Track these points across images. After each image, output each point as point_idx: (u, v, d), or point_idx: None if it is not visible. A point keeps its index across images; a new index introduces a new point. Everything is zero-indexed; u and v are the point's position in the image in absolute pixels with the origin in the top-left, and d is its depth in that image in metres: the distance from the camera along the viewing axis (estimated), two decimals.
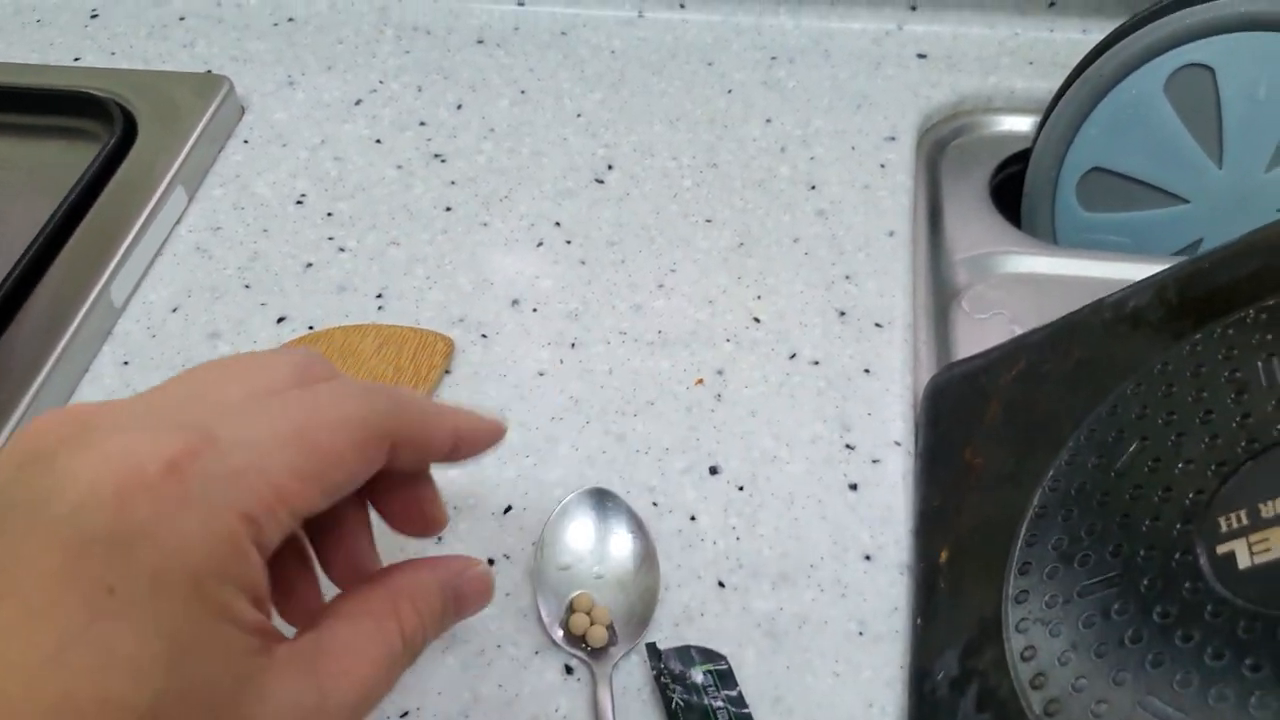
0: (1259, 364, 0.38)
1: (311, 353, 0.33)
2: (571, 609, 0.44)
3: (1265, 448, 0.36)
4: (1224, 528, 0.36)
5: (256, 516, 0.27)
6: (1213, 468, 0.37)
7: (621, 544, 0.46)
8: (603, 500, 0.47)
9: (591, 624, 0.43)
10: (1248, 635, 0.33)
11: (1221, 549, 0.35)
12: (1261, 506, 0.35)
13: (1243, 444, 0.37)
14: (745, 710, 0.41)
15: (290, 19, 0.75)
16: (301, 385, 0.31)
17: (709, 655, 0.43)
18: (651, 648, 0.43)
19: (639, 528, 0.46)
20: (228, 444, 0.27)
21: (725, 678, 0.42)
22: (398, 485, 0.35)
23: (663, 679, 0.41)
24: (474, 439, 0.35)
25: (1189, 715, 0.33)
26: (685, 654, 0.43)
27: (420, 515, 0.36)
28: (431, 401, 0.35)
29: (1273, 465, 0.36)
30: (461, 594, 0.34)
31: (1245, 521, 0.35)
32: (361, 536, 0.35)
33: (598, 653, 0.43)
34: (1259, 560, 0.34)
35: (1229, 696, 0.32)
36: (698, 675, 0.41)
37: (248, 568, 0.27)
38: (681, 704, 0.40)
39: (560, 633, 0.43)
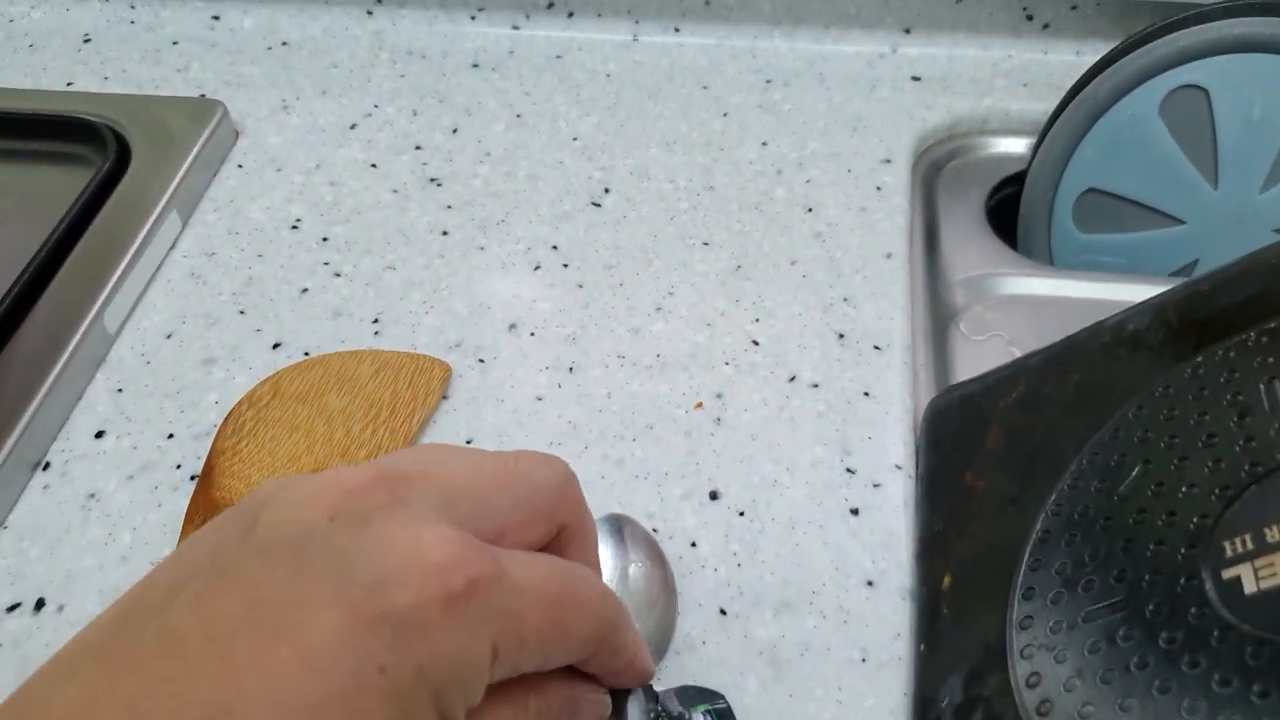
0: (1261, 387, 0.38)
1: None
2: None
3: (1268, 471, 0.36)
4: (1229, 552, 0.35)
5: (499, 658, 0.28)
6: (1216, 492, 0.37)
7: (639, 573, 0.45)
8: (620, 527, 0.46)
9: None
10: (1255, 661, 0.33)
11: (1227, 574, 0.35)
12: (1266, 531, 0.35)
13: (1246, 468, 0.37)
14: None
15: (284, 43, 0.75)
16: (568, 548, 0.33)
17: (707, 695, 0.42)
18: (647, 690, 0.42)
19: (658, 556, 0.45)
20: (510, 586, 0.28)
21: (724, 716, 0.41)
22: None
23: None
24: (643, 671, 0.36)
25: None
26: (684, 694, 0.42)
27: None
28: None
29: (1276, 489, 0.36)
30: (577, 709, 0.35)
31: (1250, 546, 0.35)
32: None
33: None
34: (1265, 585, 0.34)
35: None
36: (697, 717, 0.41)
37: (475, 693, 0.28)
38: None
39: None
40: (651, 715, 0.41)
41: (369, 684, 0.25)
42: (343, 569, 0.26)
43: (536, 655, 0.30)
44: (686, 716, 0.41)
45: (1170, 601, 0.36)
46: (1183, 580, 0.36)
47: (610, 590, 0.34)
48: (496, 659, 0.28)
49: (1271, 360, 0.39)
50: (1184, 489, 0.38)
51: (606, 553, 0.45)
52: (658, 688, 0.42)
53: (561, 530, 0.33)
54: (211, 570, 0.26)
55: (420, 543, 0.27)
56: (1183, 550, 0.37)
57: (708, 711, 0.41)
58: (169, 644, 0.25)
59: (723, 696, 0.42)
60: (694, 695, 0.42)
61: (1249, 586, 0.34)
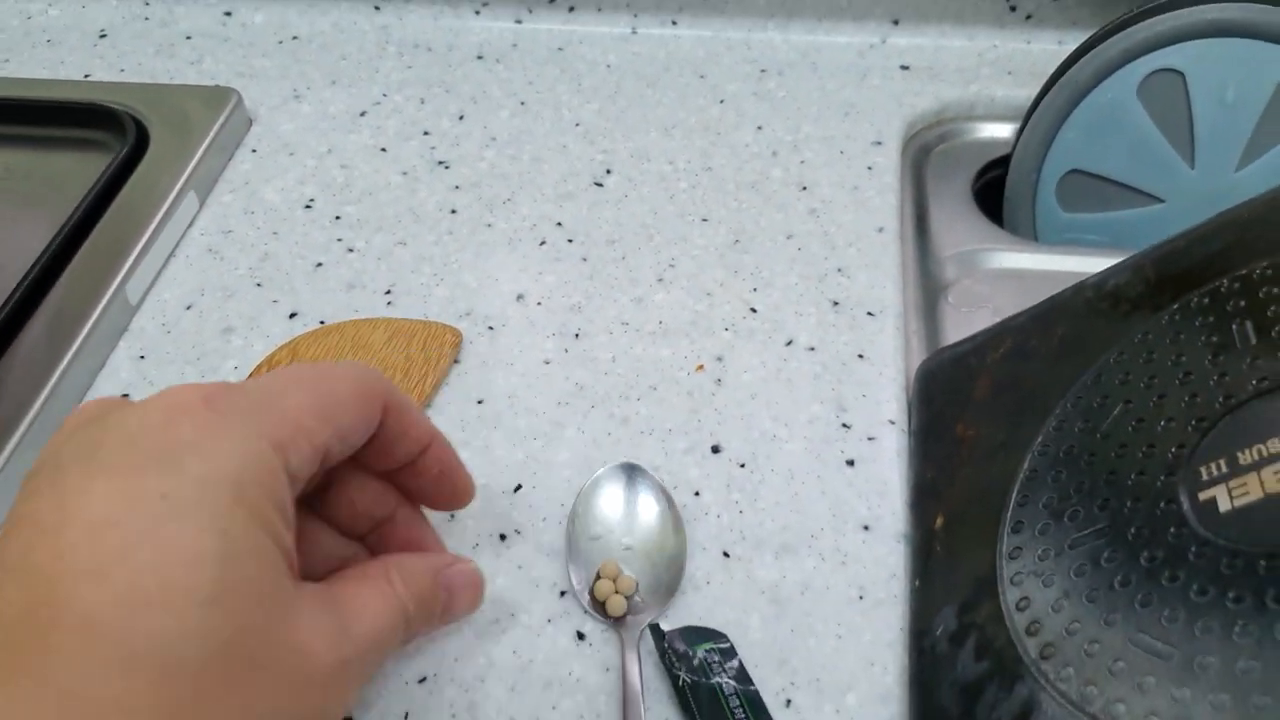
0: (1233, 327, 0.41)
1: None
2: (598, 576, 0.45)
3: (1241, 402, 0.38)
4: (1205, 476, 0.38)
5: (283, 443, 0.31)
6: (1193, 423, 0.39)
7: (649, 516, 0.47)
8: (632, 475, 0.48)
9: (615, 592, 0.44)
10: (1230, 571, 0.35)
11: (1203, 495, 0.37)
12: (1240, 455, 0.37)
13: (1220, 400, 0.39)
14: (751, 687, 0.42)
15: (295, 37, 0.78)
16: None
17: (710, 634, 0.44)
18: (655, 629, 0.44)
19: (667, 501, 0.48)
20: (251, 388, 0.32)
21: (727, 654, 0.43)
22: (420, 458, 0.39)
23: (667, 659, 0.42)
24: (446, 451, 0.40)
25: (1177, 648, 0.34)
26: (687, 634, 0.44)
27: (448, 484, 0.40)
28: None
29: (1249, 417, 0.38)
30: (451, 584, 0.39)
31: (1225, 469, 0.37)
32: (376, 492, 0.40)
33: (623, 619, 0.44)
34: (1239, 503, 0.36)
35: (1214, 628, 0.34)
36: (700, 654, 0.43)
37: (279, 488, 0.30)
38: (688, 682, 0.41)
39: (589, 599, 0.45)
40: (658, 654, 0.43)
41: (159, 513, 0.27)
42: (95, 451, 0.29)
43: (321, 434, 0.33)
44: (691, 654, 0.43)
45: (1150, 524, 0.38)
46: (1162, 504, 0.38)
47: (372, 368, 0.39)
48: (282, 450, 0.31)
49: (1243, 303, 0.41)
50: (1162, 423, 0.40)
51: (618, 496, 0.48)
52: (665, 628, 0.44)
53: (385, 410, 0.36)
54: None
55: (149, 402, 0.31)
56: (1162, 478, 0.39)
57: (711, 649, 0.43)
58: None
59: (725, 636, 0.44)
60: (698, 635, 0.44)
61: (1224, 505, 0.36)
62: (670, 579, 0.46)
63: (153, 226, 0.61)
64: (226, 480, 0.29)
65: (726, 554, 0.47)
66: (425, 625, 0.38)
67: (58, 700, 0.25)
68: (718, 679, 0.42)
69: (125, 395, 0.54)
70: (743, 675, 0.42)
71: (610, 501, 0.48)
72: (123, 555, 0.26)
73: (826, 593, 0.45)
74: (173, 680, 0.26)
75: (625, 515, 0.47)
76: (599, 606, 0.45)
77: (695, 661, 0.42)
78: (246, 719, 0.28)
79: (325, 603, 0.32)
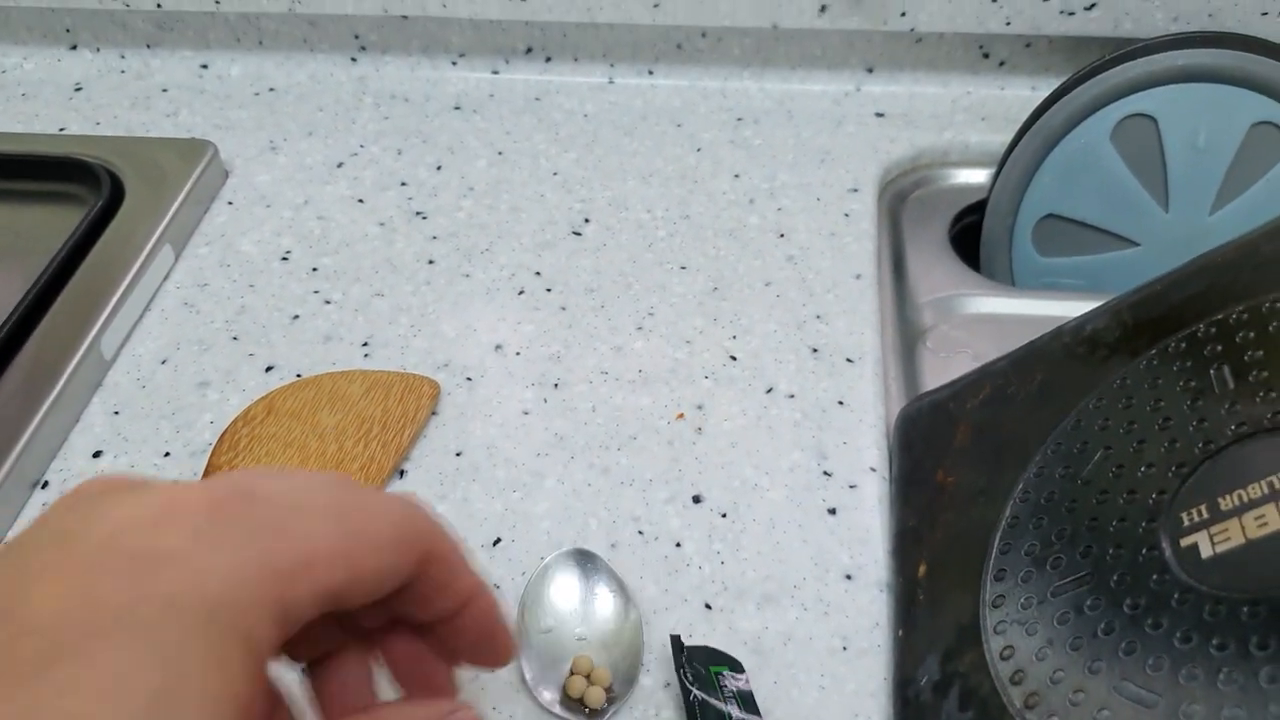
0: (1211, 372, 0.41)
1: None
2: (571, 672, 0.43)
3: (1221, 447, 0.38)
4: (1186, 522, 0.38)
5: (283, 574, 0.26)
6: (1173, 469, 0.39)
7: (604, 604, 0.46)
8: (583, 560, 0.47)
9: (590, 685, 0.43)
10: (1213, 618, 0.35)
11: (1185, 541, 0.37)
12: (1220, 500, 0.37)
13: (1200, 445, 0.39)
14: (757, 718, 0.42)
15: (271, 89, 0.78)
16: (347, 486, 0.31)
17: (728, 660, 0.44)
18: (675, 640, 0.43)
19: (619, 587, 0.46)
20: (272, 498, 0.27)
21: (740, 682, 0.43)
22: (459, 614, 0.33)
23: (683, 671, 0.42)
24: (490, 608, 0.33)
25: (1162, 696, 0.34)
26: (707, 653, 0.44)
27: (486, 646, 0.34)
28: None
29: (1229, 462, 0.38)
30: None
31: (1206, 515, 0.37)
32: (363, 678, 0.34)
33: (593, 714, 0.43)
34: (1220, 549, 0.36)
35: (1198, 676, 0.34)
36: (714, 675, 0.42)
37: (260, 625, 0.26)
38: (699, 699, 0.41)
39: (548, 695, 0.43)
40: (676, 667, 0.42)
41: (102, 627, 0.23)
42: (77, 537, 0.25)
43: (334, 575, 0.27)
44: (705, 673, 0.42)
45: (1133, 571, 0.38)
46: (1144, 551, 0.38)
47: (426, 507, 0.32)
48: (279, 580, 0.26)
49: (1220, 348, 0.41)
50: (1143, 469, 0.40)
51: (572, 585, 0.47)
52: (687, 643, 0.43)
53: (425, 557, 0.31)
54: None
55: (152, 494, 0.27)
56: (1143, 524, 0.39)
57: (726, 673, 0.43)
58: None
59: (742, 666, 0.44)
60: (716, 656, 0.44)
61: (1205, 551, 0.36)
62: (628, 667, 0.44)
63: (127, 280, 0.60)
64: (196, 604, 0.24)
65: (708, 605, 0.46)
66: None
67: None
68: (728, 708, 0.41)
69: (98, 452, 0.54)
70: (750, 704, 0.42)
71: (562, 590, 0.46)
72: (39, 668, 0.23)
73: (809, 643, 0.45)
74: None
75: (579, 604, 0.46)
76: (568, 703, 0.43)
77: (708, 681, 0.42)
78: None
79: None
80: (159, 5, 0.76)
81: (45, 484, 0.52)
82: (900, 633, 0.45)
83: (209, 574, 0.25)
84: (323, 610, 0.28)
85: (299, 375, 0.57)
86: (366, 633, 0.33)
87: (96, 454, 0.53)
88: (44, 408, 0.54)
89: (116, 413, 0.55)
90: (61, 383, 0.55)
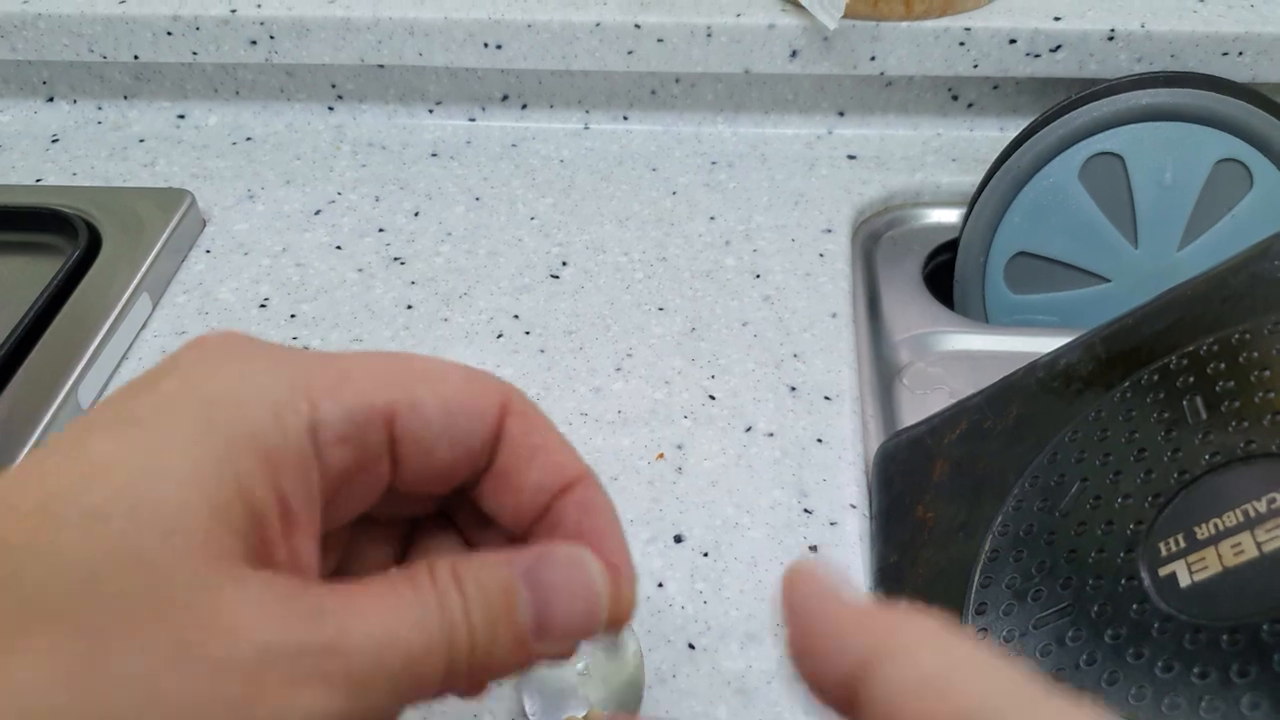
0: (1184, 403, 0.41)
1: None
2: None
3: (1196, 477, 0.39)
4: (1164, 552, 0.38)
5: (311, 385, 0.24)
6: (1150, 499, 0.40)
7: (603, 648, 0.46)
8: None
9: None
10: (1193, 646, 0.35)
11: (1164, 571, 0.37)
12: (1197, 529, 0.38)
13: (1175, 475, 0.40)
14: None
15: (248, 138, 0.78)
16: None
17: None
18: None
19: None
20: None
21: None
22: (555, 505, 0.27)
23: None
24: (599, 500, 0.27)
25: None
26: None
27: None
28: None
29: (1204, 491, 0.38)
30: (541, 582, 0.24)
31: (1183, 544, 0.38)
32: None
33: None
34: (1198, 578, 0.36)
35: (1181, 704, 0.34)
36: None
37: (277, 425, 0.23)
38: None
39: None
40: None
41: (100, 425, 0.22)
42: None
43: (385, 390, 0.25)
44: None
45: (1113, 601, 0.38)
46: (1123, 581, 0.38)
47: None
48: (312, 390, 0.24)
49: (1192, 379, 0.42)
50: (1120, 500, 0.41)
51: None
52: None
53: (504, 408, 0.26)
54: None
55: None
56: (1122, 554, 0.39)
57: None
58: None
59: None
60: None
61: (1184, 580, 0.37)
62: (631, 700, 0.44)
63: (105, 329, 0.60)
64: (191, 401, 0.22)
65: (692, 645, 0.46)
66: (499, 651, 0.24)
67: None
68: None
69: None
70: None
71: None
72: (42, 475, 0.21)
73: (794, 682, 0.45)
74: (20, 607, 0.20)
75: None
76: None
77: None
78: (119, 684, 0.19)
79: (294, 589, 0.22)
80: (136, 57, 0.77)
81: None
82: None
83: (211, 380, 0.23)
84: (372, 436, 0.24)
85: None
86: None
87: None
88: (20, 458, 0.54)
89: None
90: (38, 432, 0.55)
